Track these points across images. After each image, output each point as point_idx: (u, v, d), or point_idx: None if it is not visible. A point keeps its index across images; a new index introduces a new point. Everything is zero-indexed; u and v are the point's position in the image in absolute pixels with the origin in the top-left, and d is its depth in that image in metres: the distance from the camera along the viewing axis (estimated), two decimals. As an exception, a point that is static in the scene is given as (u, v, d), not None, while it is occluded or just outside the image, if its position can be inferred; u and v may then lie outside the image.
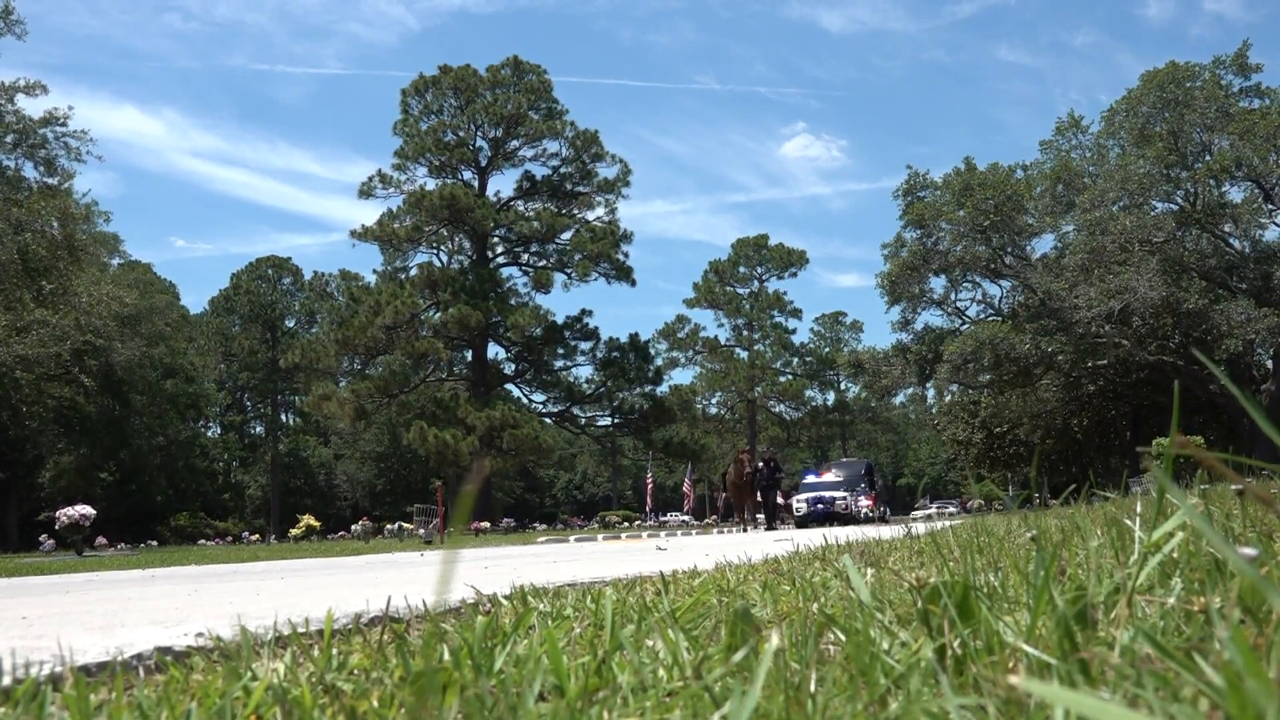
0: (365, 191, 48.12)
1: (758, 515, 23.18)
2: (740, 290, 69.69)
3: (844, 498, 30.59)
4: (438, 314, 45.92)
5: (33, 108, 41.89)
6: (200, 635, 1.77)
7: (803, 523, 28.82)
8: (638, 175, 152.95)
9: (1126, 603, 1.08)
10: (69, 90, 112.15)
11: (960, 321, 41.66)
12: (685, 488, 46.51)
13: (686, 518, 47.86)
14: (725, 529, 28.50)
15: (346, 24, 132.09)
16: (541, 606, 2.03)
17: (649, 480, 45.02)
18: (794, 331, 70.94)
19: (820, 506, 30.20)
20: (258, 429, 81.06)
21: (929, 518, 31.91)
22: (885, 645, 1.14)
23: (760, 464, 22.55)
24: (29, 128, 35.35)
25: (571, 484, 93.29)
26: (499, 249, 49.83)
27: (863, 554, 3.47)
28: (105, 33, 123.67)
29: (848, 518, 29.15)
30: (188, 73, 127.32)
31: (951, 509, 43.31)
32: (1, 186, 33.93)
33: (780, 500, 26.96)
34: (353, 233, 47.04)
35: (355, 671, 1.32)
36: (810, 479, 34.58)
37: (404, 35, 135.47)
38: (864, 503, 31.32)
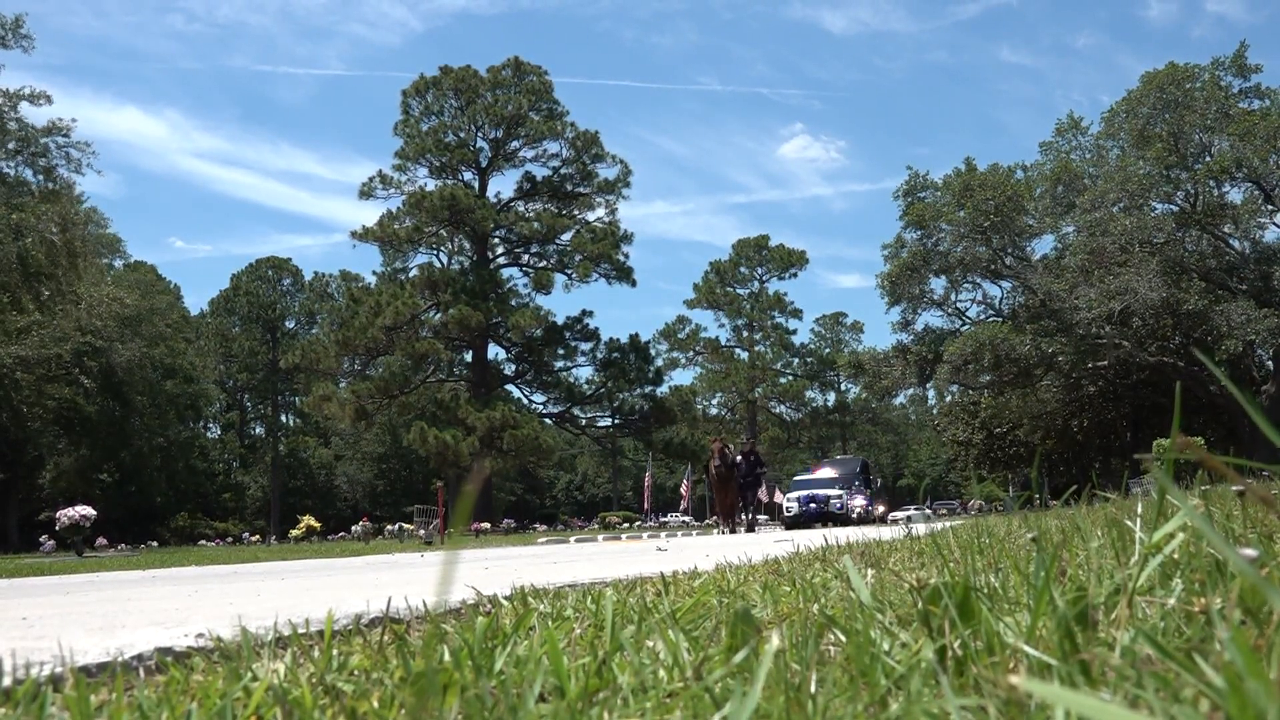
0: (366, 192, 48.18)
1: (739, 515, 20.37)
2: (740, 291, 69.75)
3: (839, 496, 28.71)
4: (438, 315, 45.94)
5: (37, 117, 41.98)
6: (201, 636, 1.77)
7: (793, 523, 27.06)
8: (639, 176, 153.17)
9: (1127, 604, 1.08)
10: (72, 92, 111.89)
11: (960, 322, 41.67)
12: (683, 488, 46.51)
13: (687, 518, 47.83)
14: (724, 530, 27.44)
15: (349, 25, 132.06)
16: (542, 607, 2.03)
17: (647, 481, 44.99)
18: (794, 332, 71.03)
19: (813, 506, 28.30)
20: (258, 430, 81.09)
21: (908, 519, 30.86)
22: (886, 646, 1.14)
23: (739, 457, 19.98)
24: (31, 136, 35.34)
25: (572, 485, 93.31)
26: (499, 250, 49.86)
27: (863, 555, 3.47)
28: (108, 34, 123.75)
29: (843, 518, 27.39)
30: (190, 74, 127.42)
31: (925, 511, 42.51)
32: (1, 191, 33.93)
33: (764, 497, 25.14)
34: (353, 233, 47.11)
35: (356, 672, 1.32)
36: (802, 476, 32.50)
37: (407, 36, 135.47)
38: (859, 502, 29.48)
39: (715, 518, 21.08)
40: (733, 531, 19.11)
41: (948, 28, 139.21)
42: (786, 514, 28.94)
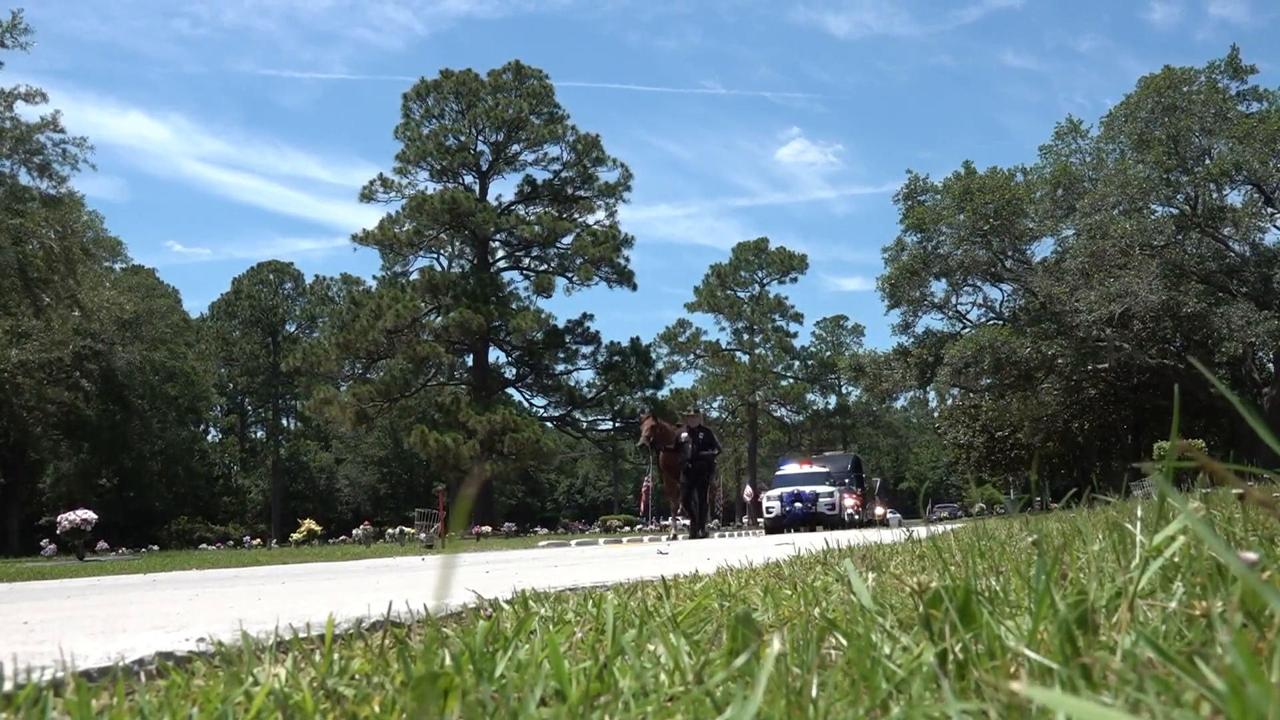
0: (367, 195, 48.21)
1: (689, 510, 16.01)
2: (741, 294, 69.78)
3: (829, 494, 25.49)
4: (439, 318, 45.96)
5: (32, 115, 41.97)
6: (202, 640, 1.77)
7: (775, 525, 24.47)
8: (642, 179, 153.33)
9: (1128, 607, 1.08)
10: (77, 96, 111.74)
11: (961, 325, 41.70)
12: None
13: (688, 521, 47.77)
14: (726, 531, 26.60)
15: (354, 30, 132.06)
16: (543, 611, 2.03)
17: (646, 483, 44.92)
18: (795, 335, 71.05)
19: (798, 505, 25.06)
20: (259, 433, 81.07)
21: (884, 521, 30.02)
22: (887, 650, 1.14)
23: (685, 434, 15.70)
24: (26, 134, 35.28)
25: (573, 488, 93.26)
26: (500, 253, 49.91)
27: (864, 558, 3.47)
28: (114, 39, 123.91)
29: (834, 519, 24.45)
30: (195, 78, 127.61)
31: (898, 515, 41.94)
32: (1, 195, 33.88)
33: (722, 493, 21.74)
34: (354, 237, 47.12)
35: (357, 676, 1.32)
36: (786, 470, 28.92)
37: (411, 41, 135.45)
38: (850, 501, 26.97)
39: (715, 521, 18.19)
40: (692, 535, 15.70)
41: (951, 31, 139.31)
42: (767, 514, 25.84)
